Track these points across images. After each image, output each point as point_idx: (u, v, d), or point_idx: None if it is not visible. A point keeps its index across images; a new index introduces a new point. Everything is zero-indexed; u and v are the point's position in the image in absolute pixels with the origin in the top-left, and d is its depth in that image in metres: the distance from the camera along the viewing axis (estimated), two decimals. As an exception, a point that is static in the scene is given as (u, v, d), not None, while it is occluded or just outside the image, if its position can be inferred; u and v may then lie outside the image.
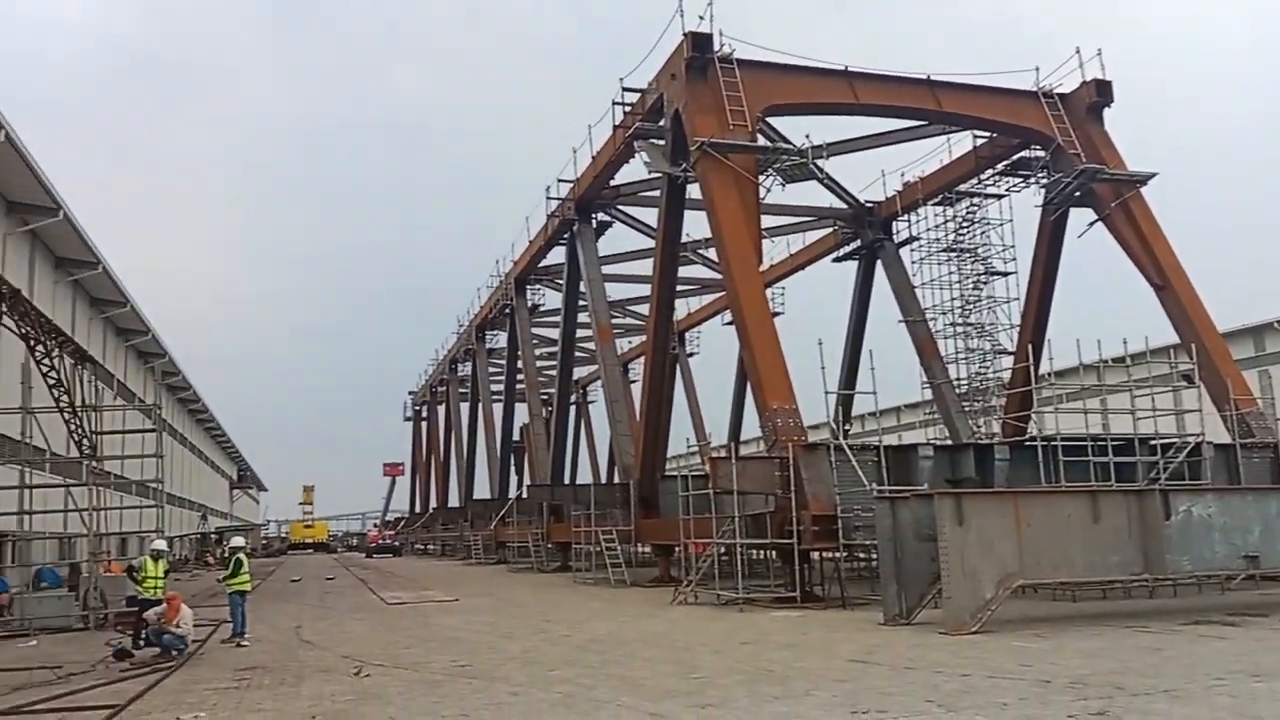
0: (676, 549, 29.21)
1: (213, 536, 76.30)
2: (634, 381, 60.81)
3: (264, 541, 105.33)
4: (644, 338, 51.11)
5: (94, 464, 24.43)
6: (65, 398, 23.48)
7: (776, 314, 40.38)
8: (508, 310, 51.96)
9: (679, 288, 37.11)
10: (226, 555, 20.29)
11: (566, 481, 51.66)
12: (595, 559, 31.95)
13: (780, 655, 13.98)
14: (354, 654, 15.59)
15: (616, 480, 43.01)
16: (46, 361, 22.83)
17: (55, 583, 25.06)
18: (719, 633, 17.07)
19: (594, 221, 39.44)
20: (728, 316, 47.60)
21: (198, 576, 47.95)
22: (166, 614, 16.35)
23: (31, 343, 22.68)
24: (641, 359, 52.16)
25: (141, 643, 16.57)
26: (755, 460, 23.76)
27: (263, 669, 14.34)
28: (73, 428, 24.06)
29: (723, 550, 24.17)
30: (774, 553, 24.70)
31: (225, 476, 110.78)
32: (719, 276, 42.12)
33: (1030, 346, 29.61)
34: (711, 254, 39.35)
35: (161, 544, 18.59)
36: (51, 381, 23.10)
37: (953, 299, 33.83)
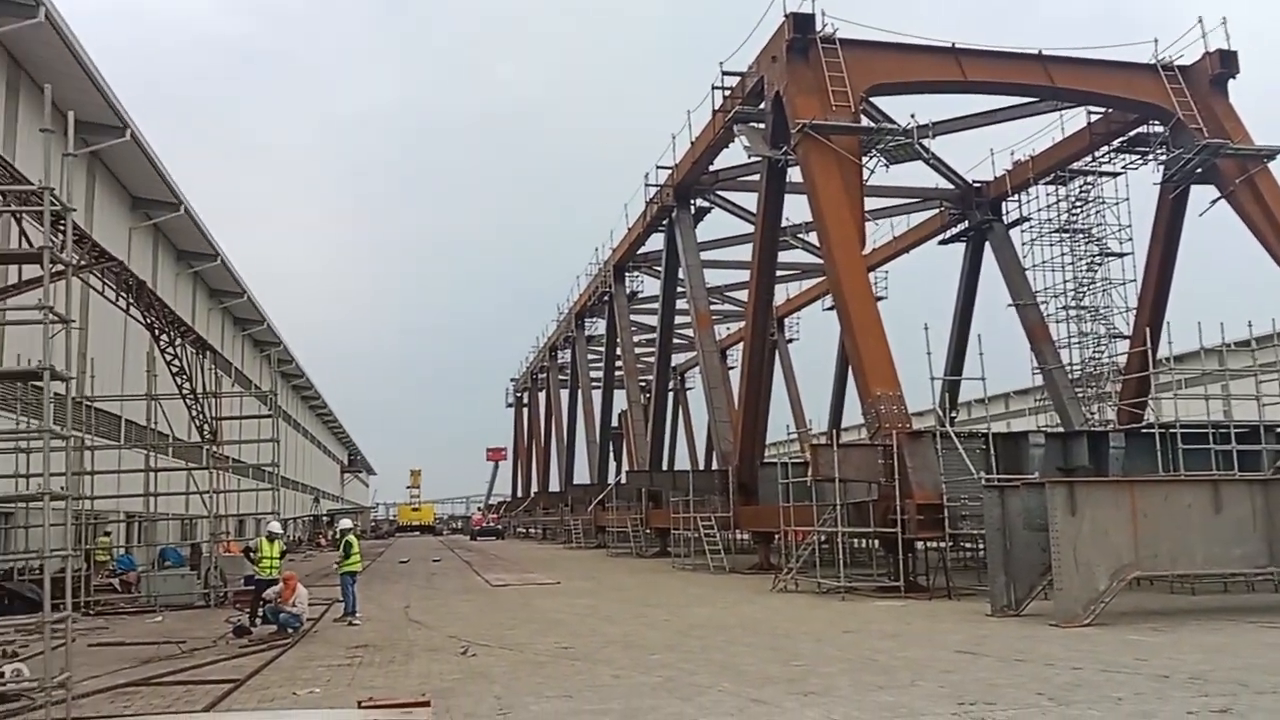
0: (776, 536, 29.07)
1: (325, 519, 79.04)
2: (732, 368, 60.66)
3: (373, 524, 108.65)
4: (743, 324, 50.95)
5: (214, 449, 25.56)
6: (187, 385, 24.63)
7: (880, 298, 39.82)
8: (606, 298, 52.38)
9: (779, 273, 36.80)
10: (337, 537, 21.01)
11: (665, 468, 51.96)
12: (694, 545, 32.05)
13: (884, 645, 13.82)
14: (460, 634, 16.00)
15: (715, 467, 43.02)
16: (170, 350, 23.98)
17: (178, 562, 26.41)
18: (820, 621, 16.96)
19: (692, 207, 39.38)
20: (829, 301, 47.03)
21: (311, 557, 49.81)
22: (283, 593, 17.05)
23: (156, 332, 23.83)
24: (740, 345, 52.00)
25: (259, 620, 17.30)
26: (857, 447, 23.45)
27: (373, 647, 14.83)
28: (194, 414, 25.21)
29: (823, 538, 23.97)
30: (876, 542, 24.38)
31: (336, 461, 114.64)
32: (820, 261, 41.60)
33: (1148, 330, 28.38)
34: (812, 238, 38.90)
35: (276, 526, 19.31)
36: (175, 369, 24.24)
37: (1065, 281, 32.86)
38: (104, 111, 27.87)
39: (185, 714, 9.91)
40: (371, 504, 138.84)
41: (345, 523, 21.17)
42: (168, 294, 34.11)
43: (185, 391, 24.68)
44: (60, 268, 10.61)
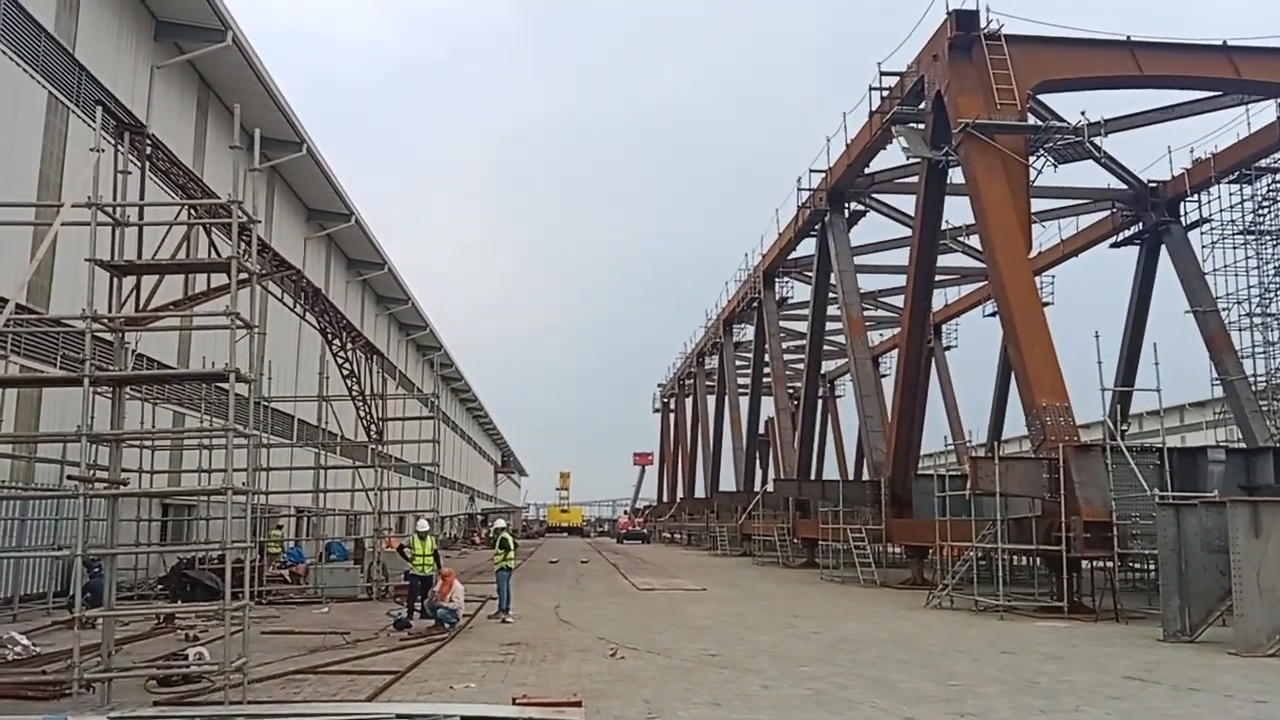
0: (930, 551, 28.27)
1: (479, 517, 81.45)
2: (884, 376, 59.54)
3: (524, 523, 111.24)
4: (896, 330, 49.83)
5: (379, 448, 26.78)
6: (356, 387, 25.89)
7: (1046, 304, 38.17)
8: (755, 303, 52.14)
9: (937, 277, 35.81)
10: (491, 536, 21.68)
11: (813, 477, 51.23)
12: (842, 557, 31.50)
13: (1046, 667, 13.28)
14: (608, 636, 16.26)
15: (866, 478, 42.16)
16: (341, 354, 25.27)
17: (343, 556, 27.73)
18: (977, 640, 16.43)
19: (846, 211, 38.77)
20: (990, 308, 45.51)
21: (465, 554, 51.45)
22: (441, 589, 17.72)
23: (329, 336, 25.18)
24: (893, 353, 50.85)
25: (416, 615, 18.01)
26: (1020, 460, 22.63)
27: (526, 645, 15.25)
28: (362, 414, 26.48)
29: (981, 555, 23.19)
30: (1038, 560, 23.42)
31: (490, 461, 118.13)
32: (980, 265, 40.31)
33: (1346, 340, 26.39)
34: (973, 241, 37.75)
35: (424, 524, 19.96)
36: (345, 372, 25.54)
37: (1250, 287, 30.87)
38: (283, 128, 29.67)
39: (350, 702, 10.43)
40: (522, 504, 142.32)
41: (500, 522, 21.84)
42: (339, 300, 35.97)
43: (354, 393, 25.96)
44: (245, 276, 11.37)
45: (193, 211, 14.22)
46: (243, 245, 12.14)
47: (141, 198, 13.58)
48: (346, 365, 25.44)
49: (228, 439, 10.83)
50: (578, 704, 8.23)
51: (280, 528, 30.15)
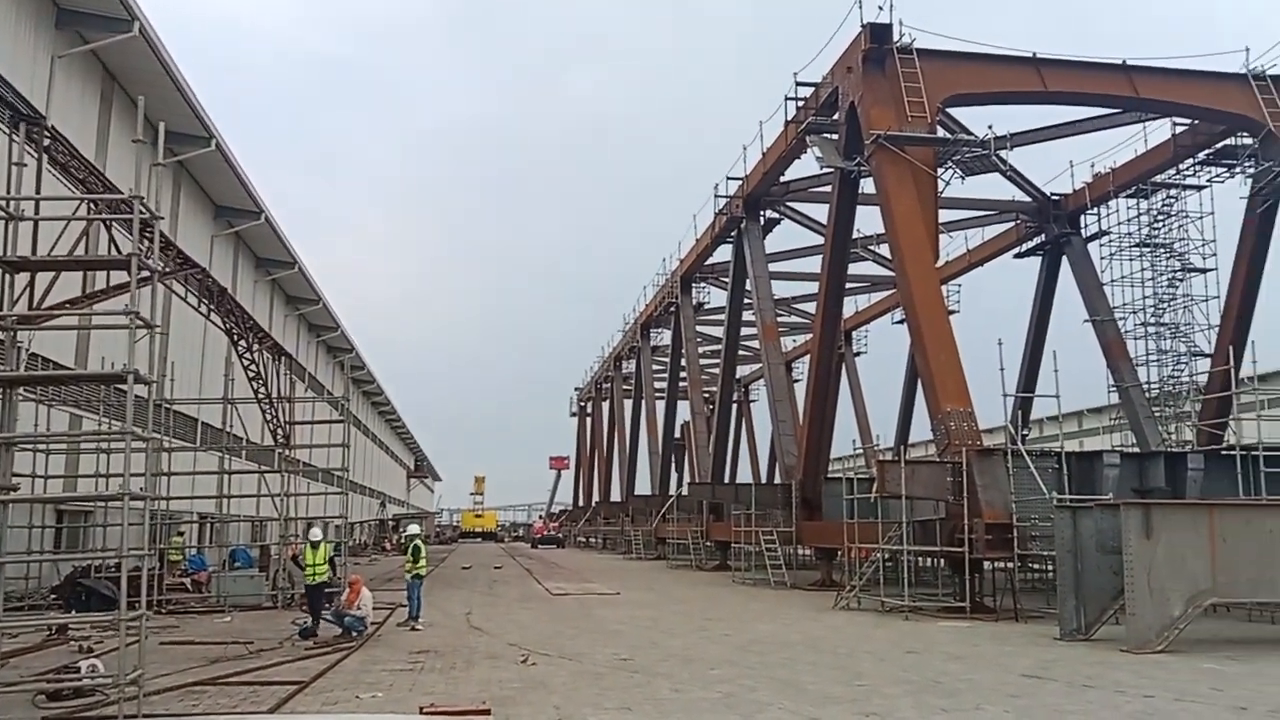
0: (839, 553, 28.80)
1: (390, 523, 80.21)
2: (798, 381, 60.21)
3: (437, 529, 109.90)
4: (809, 336, 50.61)
5: (286, 452, 26.18)
6: (263, 390, 25.26)
7: (952, 312, 39.14)
8: (672, 308, 52.46)
9: (848, 285, 36.51)
10: (403, 542, 21.35)
11: (727, 480, 51.76)
12: (755, 559, 31.88)
13: (948, 666, 13.64)
14: (520, 642, 16.17)
15: (778, 481, 42.75)
16: (247, 356, 24.64)
17: (248, 563, 27.06)
18: (883, 640, 16.79)
19: (762, 218, 39.31)
20: (898, 315, 46.60)
21: (376, 561, 50.63)
22: (348, 597, 17.40)
23: (234, 337, 24.52)
24: (806, 358, 51.62)
25: (297, 624, 17.50)
26: (926, 464, 23.17)
27: (435, 653, 15.07)
28: (268, 418, 25.85)
29: (888, 556, 23.70)
30: (942, 561, 24.03)
31: (403, 466, 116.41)
32: (890, 274, 41.15)
33: (1230, 348, 27.68)
34: (883, 250, 38.53)
35: (317, 532, 19.47)
36: (251, 374, 24.91)
37: (1145, 297, 32.11)
38: (191, 122, 28.82)
39: (251, 714, 10.19)
40: (436, 509, 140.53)
41: (413, 528, 21.47)
42: (246, 300, 35.05)
43: (260, 396, 25.33)
44: (146, 274, 11.03)
45: (92, 206, 13.75)
46: (144, 242, 11.77)
47: (38, 191, 13.08)
48: (253, 367, 24.84)
49: (126, 442, 10.48)
50: (486, 712, 8.18)
51: (182, 534, 29.27)
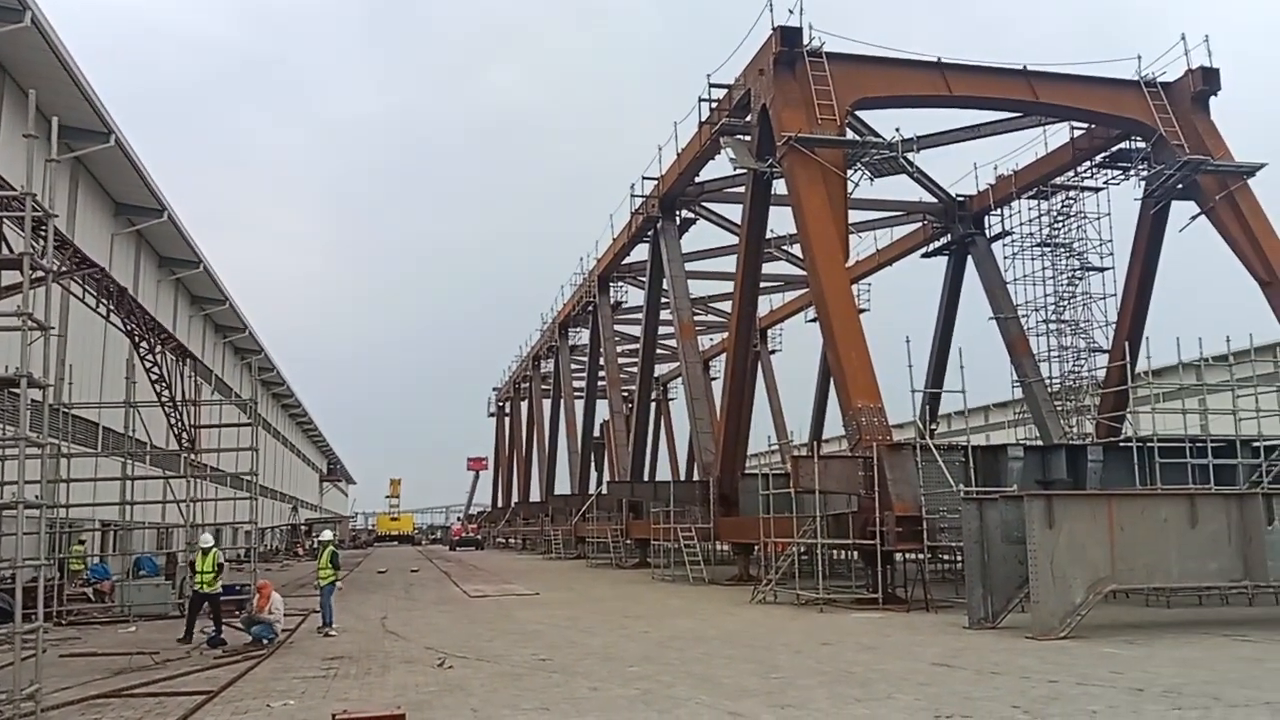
0: (756, 548, 29.15)
1: (303, 528, 78.53)
2: (715, 379, 60.70)
3: (351, 533, 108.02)
4: (726, 335, 51.06)
5: (192, 457, 25.44)
6: (166, 392, 24.50)
7: (862, 310, 40.06)
8: (591, 308, 52.45)
9: (762, 284, 36.97)
10: (317, 548, 20.88)
11: (646, 478, 51.98)
12: (674, 556, 32.06)
13: (861, 657, 13.90)
14: (437, 645, 15.98)
15: (696, 478, 43.10)
16: (150, 357, 23.85)
17: (153, 571, 26.18)
18: (799, 632, 17.02)
19: (678, 218, 39.58)
20: (811, 313, 47.19)
21: (288, 567, 49.51)
22: (258, 602, 16.98)
23: (136, 339, 23.70)
24: (723, 356, 52.11)
25: (210, 634, 17.01)
26: (838, 459, 23.59)
27: (350, 658, 14.80)
28: (173, 421, 25.08)
29: (803, 550, 24.06)
30: (856, 553, 24.50)
31: (315, 469, 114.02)
32: (803, 273, 41.83)
33: (1127, 344, 28.83)
34: (796, 250, 39.12)
35: (208, 538, 18.96)
36: (154, 377, 24.12)
37: (1046, 295, 33.16)
38: (89, 117, 27.74)
39: (158, 725, 9.87)
40: (350, 513, 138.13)
41: (327, 533, 21.02)
42: (149, 301, 33.94)
43: (164, 399, 24.57)
44: (40, 274, 10.59)
45: (-21, 203, 13.13)
46: (38, 241, 11.31)
47: (-81, 187, 12.44)
48: (156, 369, 24.06)
49: (20, 449, 10.07)
50: (401, 717, 8.06)
51: (83, 543, 28.20)
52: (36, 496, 10.33)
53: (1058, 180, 33.57)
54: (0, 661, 13.74)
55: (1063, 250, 33.26)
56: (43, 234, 11.27)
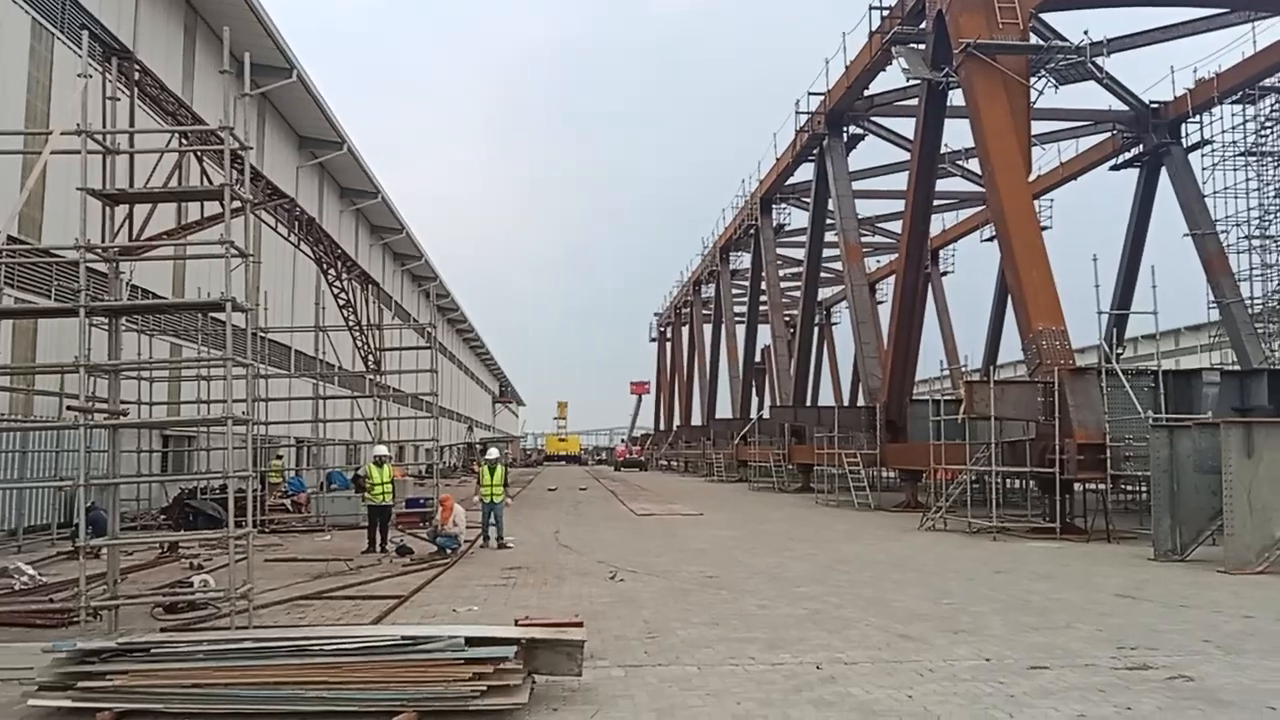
0: (924, 475, 28.61)
1: (478, 447, 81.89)
2: (881, 303, 59.41)
3: (523, 452, 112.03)
4: (894, 256, 49.63)
5: (376, 378, 26.82)
6: (353, 317, 25.83)
7: (1044, 228, 37.98)
8: (752, 230, 51.85)
9: (935, 202, 35.58)
10: (481, 466, 21.66)
11: (809, 404, 51.53)
12: (837, 482, 31.84)
13: (1038, 586, 13.52)
14: (608, 559, 16.50)
15: (861, 404, 42.42)
16: (337, 284, 25.16)
17: (344, 485, 27.93)
18: (971, 560, 16.70)
19: (845, 135, 38.38)
20: (988, 232, 45.38)
21: (465, 483, 51.87)
22: (442, 515, 17.90)
23: (324, 266, 25.04)
24: (891, 279, 50.74)
25: (391, 545, 17.87)
26: (1015, 384, 22.76)
27: (527, 569, 15.47)
28: (359, 345, 26.47)
29: (974, 478, 23.45)
30: (1031, 482, 23.70)
31: (488, 391, 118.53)
32: (980, 190, 40.04)
33: (1343, 262, 26.36)
34: (972, 165, 37.44)
35: (382, 449, 19.69)
36: (341, 303, 25.46)
37: (1250, 209, 30.71)
38: (273, 54, 29.10)
39: (356, 625, 10.62)
40: (520, 433, 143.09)
41: (494, 451, 21.75)
42: (333, 229, 35.63)
43: (350, 323, 25.91)
44: (239, 204, 11.26)
45: (183, 139, 14.02)
46: (235, 173, 12.01)
47: (131, 125, 13.37)
48: (342, 295, 25.37)
49: (226, 369, 10.84)
50: (579, 624, 8.37)
51: (280, 458, 30.36)
52: (243, 413, 11.14)
53: (1267, 82, 30.72)
54: (217, 564, 15.08)
55: (1270, 159, 30.59)
56: (239, 167, 11.95)
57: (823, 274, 50.23)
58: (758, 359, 61.02)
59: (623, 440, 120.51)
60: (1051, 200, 44.43)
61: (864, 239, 45.22)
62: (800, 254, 49.53)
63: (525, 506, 30.25)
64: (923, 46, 28.61)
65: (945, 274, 57.40)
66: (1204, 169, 32.58)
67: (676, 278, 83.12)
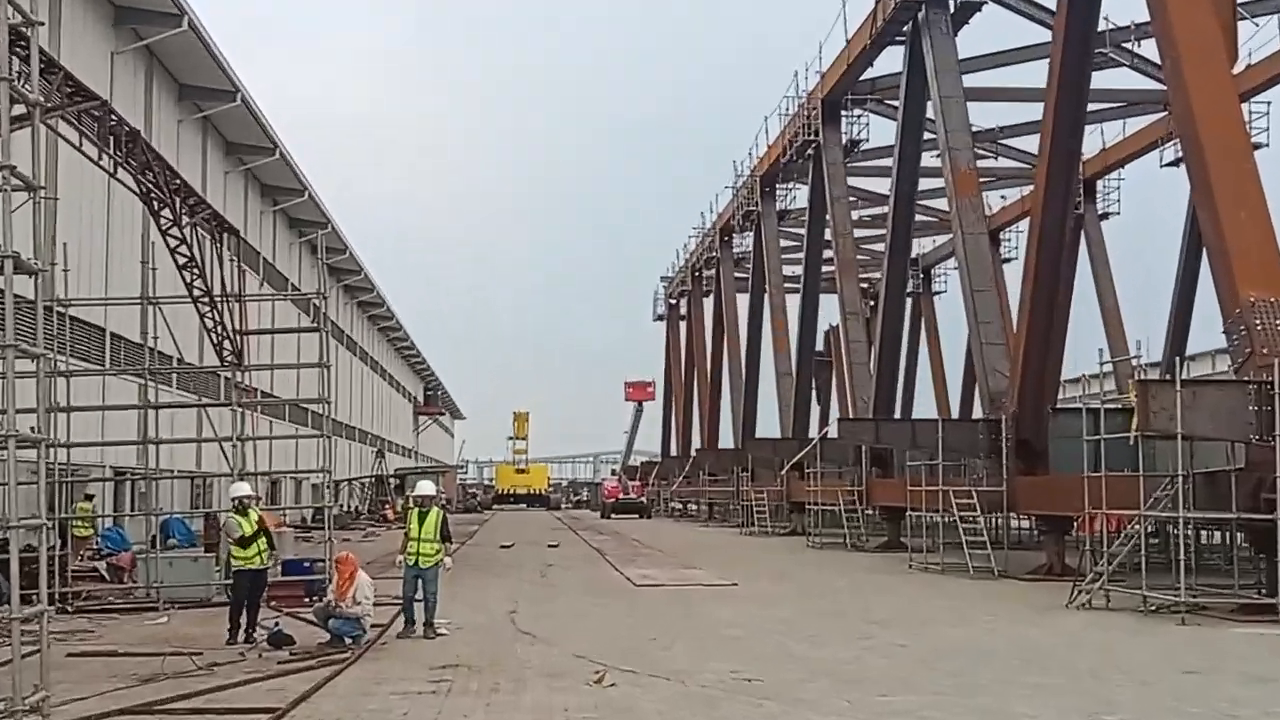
0: (1076, 524, 28.57)
1: (392, 481, 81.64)
2: (1008, 260, 59.36)
3: (462, 489, 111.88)
4: (1027, 190, 49.51)
5: (238, 377, 26.65)
6: (199, 283, 25.56)
7: (1257, 146, 37.87)
8: (810, 150, 51.70)
9: (1090, 106, 35.46)
10: (408, 508, 21.57)
11: (897, 415, 51.40)
12: (943, 534, 31.80)
13: (1249, 694, 13.52)
14: (591, 653, 16.44)
15: (978, 415, 42.36)
16: (175, 232, 24.90)
17: (188, 539, 27.90)
18: (1146, 653, 16.73)
19: (951, 5, 38.25)
20: (1170, 152, 45.22)
21: (374, 536, 51.82)
22: (338, 586, 17.82)
23: (155, 204, 24.75)
24: (1022, 225, 50.60)
25: (250, 633, 17.93)
26: (1214, 385, 22.78)
27: (469, 668, 15.41)
28: (210, 326, 26.20)
29: (1152, 529, 23.42)
30: (1239, 535, 23.64)
31: (409, 398, 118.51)
32: (1157, 87, 39.98)
33: None
34: (1147, 50, 37.37)
35: (244, 487, 19.73)
36: (182, 260, 25.14)
37: None
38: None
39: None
40: (458, 460, 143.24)
41: (426, 485, 21.50)
42: (169, 150, 35.48)
43: (198, 293, 25.64)
44: (23, 110, 11.14)
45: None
46: (16, 60, 11.89)
47: None
48: (183, 249, 25.12)
49: (5, 362, 10.71)
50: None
51: (91, 498, 30.27)
52: (33, 429, 11.02)
53: None
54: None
55: None
56: (22, 50, 11.81)
57: (921, 216, 50.23)
58: (820, 347, 61.01)
59: (614, 471, 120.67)
60: (1268, 103, 44.32)
61: (981, 162, 45.17)
62: (884, 186, 49.43)
63: (468, 572, 30.21)
64: None
65: (1105, 216, 57.26)
66: None
67: (695, 224, 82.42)
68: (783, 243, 62.89)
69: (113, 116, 22.34)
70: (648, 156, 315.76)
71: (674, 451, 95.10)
